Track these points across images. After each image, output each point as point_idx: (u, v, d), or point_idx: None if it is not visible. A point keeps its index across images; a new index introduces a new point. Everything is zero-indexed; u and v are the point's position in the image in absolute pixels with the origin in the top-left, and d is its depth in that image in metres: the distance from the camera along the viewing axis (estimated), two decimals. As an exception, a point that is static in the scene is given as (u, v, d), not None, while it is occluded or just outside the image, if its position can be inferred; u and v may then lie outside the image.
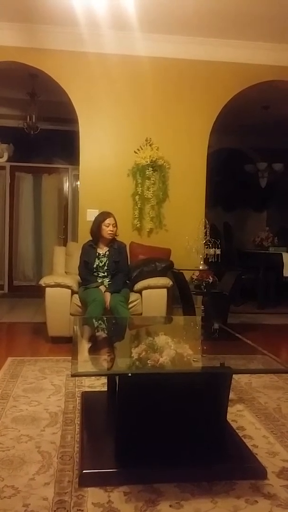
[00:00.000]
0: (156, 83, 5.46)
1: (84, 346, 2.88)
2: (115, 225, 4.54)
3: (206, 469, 2.05)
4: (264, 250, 7.25)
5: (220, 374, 2.26)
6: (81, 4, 4.55)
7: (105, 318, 3.96)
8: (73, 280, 4.62)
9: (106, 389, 2.88)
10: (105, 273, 4.52)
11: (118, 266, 4.52)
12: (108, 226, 4.49)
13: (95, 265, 4.51)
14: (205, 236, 5.14)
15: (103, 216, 4.55)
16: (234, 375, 2.89)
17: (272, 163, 7.72)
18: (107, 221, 4.50)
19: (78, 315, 4.36)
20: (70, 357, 2.26)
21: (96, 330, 3.47)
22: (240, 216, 9.08)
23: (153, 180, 5.43)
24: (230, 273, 5.37)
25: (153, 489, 1.93)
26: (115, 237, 4.59)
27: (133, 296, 4.59)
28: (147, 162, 5.40)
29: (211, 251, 5.06)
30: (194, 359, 2.26)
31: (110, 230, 4.50)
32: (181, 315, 5.01)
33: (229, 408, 2.47)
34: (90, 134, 5.44)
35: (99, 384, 3.23)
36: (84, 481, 1.96)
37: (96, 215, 4.68)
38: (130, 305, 4.50)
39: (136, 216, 5.43)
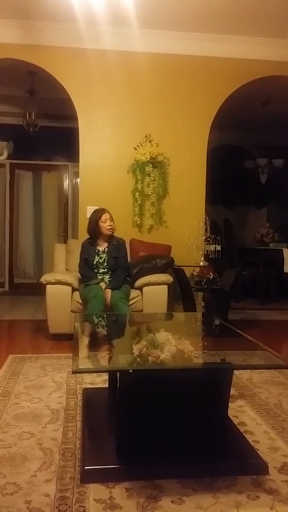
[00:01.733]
0: (155, 79, 5.45)
1: (85, 343, 2.88)
2: (111, 219, 4.52)
3: (207, 465, 2.06)
4: (265, 246, 7.25)
5: (221, 370, 2.26)
6: (79, 1, 4.54)
7: (105, 315, 3.96)
8: (73, 277, 4.62)
9: (107, 386, 2.88)
10: (105, 269, 4.51)
11: (117, 262, 4.51)
12: (105, 222, 4.48)
13: (95, 262, 4.51)
14: (205, 232, 5.13)
15: (98, 213, 4.53)
16: (235, 371, 2.89)
17: (272, 159, 7.70)
18: (103, 217, 4.48)
19: (78, 312, 4.37)
20: (71, 354, 2.27)
21: (96, 327, 3.47)
22: (240, 212, 9.07)
23: (153, 177, 5.42)
24: (230, 269, 5.38)
25: (154, 485, 1.93)
26: (113, 231, 4.58)
27: (133, 293, 4.59)
28: (147, 158, 5.39)
29: (212, 247, 5.06)
30: (195, 355, 2.26)
31: (108, 225, 4.48)
32: (182, 312, 5.01)
33: (230, 404, 2.48)
34: (90, 131, 5.44)
35: (100, 381, 3.23)
36: (86, 477, 1.96)
37: (90, 214, 4.66)
38: (130, 302, 4.50)
39: (136, 212, 5.43)
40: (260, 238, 7.39)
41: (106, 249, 4.54)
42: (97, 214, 4.52)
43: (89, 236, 4.61)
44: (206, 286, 4.80)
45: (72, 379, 3.32)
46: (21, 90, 6.45)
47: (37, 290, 5.40)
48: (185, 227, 5.24)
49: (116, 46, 5.28)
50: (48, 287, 4.51)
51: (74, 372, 2.04)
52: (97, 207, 4.69)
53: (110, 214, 4.52)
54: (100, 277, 4.46)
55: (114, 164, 5.44)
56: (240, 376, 3.41)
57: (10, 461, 2.14)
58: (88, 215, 5.11)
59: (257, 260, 7.18)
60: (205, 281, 4.78)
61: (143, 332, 3.17)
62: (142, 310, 4.57)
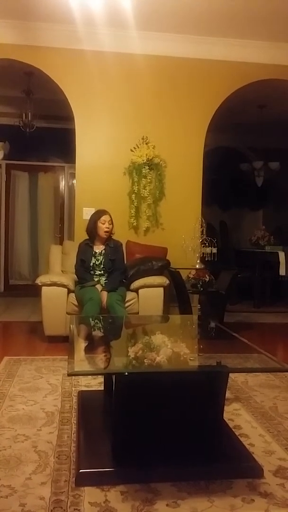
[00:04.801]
0: (152, 81, 5.46)
1: (81, 345, 2.87)
2: (111, 222, 4.54)
3: (202, 468, 2.05)
4: (260, 249, 7.27)
5: (216, 373, 2.26)
6: (77, 2, 4.54)
7: (101, 317, 3.96)
8: (69, 279, 4.61)
9: (102, 388, 2.88)
10: (102, 271, 4.52)
11: (114, 264, 4.51)
12: (104, 224, 4.49)
13: (91, 264, 4.51)
14: (201, 234, 5.14)
15: (99, 214, 4.56)
16: (230, 374, 2.89)
17: (268, 162, 7.72)
18: (103, 218, 4.50)
19: (74, 314, 4.36)
20: (67, 356, 2.26)
21: (92, 329, 3.47)
22: (236, 215, 9.09)
23: (149, 179, 5.43)
24: (226, 272, 5.39)
25: (150, 488, 1.93)
26: (111, 235, 4.59)
27: (129, 295, 4.59)
28: (143, 160, 5.40)
29: (208, 249, 5.07)
30: (191, 358, 2.26)
31: (106, 228, 4.49)
32: (178, 314, 5.02)
33: (225, 407, 2.47)
34: (86, 132, 5.43)
35: (96, 383, 3.22)
36: (81, 480, 1.96)
37: (91, 214, 4.68)
38: (126, 304, 4.49)
39: (133, 214, 5.43)
40: (256, 240, 7.40)
41: (103, 251, 4.54)
42: (98, 215, 4.55)
43: (87, 237, 4.62)
44: (202, 289, 4.80)
45: (67, 382, 3.31)
46: (17, 91, 6.44)
47: (33, 291, 5.38)
48: (181, 229, 5.24)
49: (113, 47, 5.28)
50: (44, 288, 4.50)
51: (69, 375, 2.04)
52: (97, 208, 4.72)
53: (110, 217, 4.53)
54: (96, 279, 4.46)
55: (110, 166, 5.44)
56: (235, 379, 3.41)
57: (4, 464, 2.13)
58: (85, 217, 5.14)
59: (253, 263, 7.19)
60: (201, 283, 4.79)
61: (139, 335, 3.17)
62: (138, 312, 4.57)
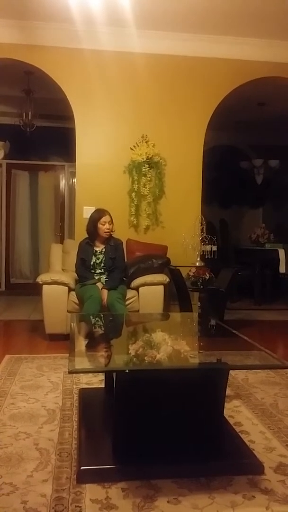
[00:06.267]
0: (152, 80, 5.46)
1: (81, 343, 2.88)
2: (111, 222, 4.54)
3: (203, 465, 2.06)
4: (260, 247, 7.28)
5: (217, 370, 2.27)
6: (76, 1, 4.54)
7: (102, 315, 3.97)
8: (70, 277, 4.62)
9: (103, 386, 2.89)
10: (102, 270, 4.52)
11: (114, 263, 4.52)
12: (104, 225, 4.49)
13: (92, 262, 4.52)
14: (201, 232, 5.15)
15: (99, 214, 4.54)
16: (231, 371, 2.90)
17: (267, 160, 7.72)
18: (103, 219, 4.49)
19: (75, 312, 4.37)
20: (68, 354, 2.27)
21: (93, 327, 3.47)
22: (236, 212, 9.09)
23: (149, 177, 5.43)
24: (226, 270, 5.39)
25: (150, 485, 1.93)
26: (112, 233, 4.59)
27: (130, 293, 4.60)
28: (143, 159, 5.40)
29: (208, 247, 5.08)
30: (191, 356, 2.26)
31: (107, 228, 4.49)
32: (178, 312, 5.02)
33: (226, 404, 2.48)
34: (86, 131, 5.44)
35: (97, 381, 3.23)
36: (82, 477, 1.96)
37: (92, 213, 4.68)
38: (127, 302, 4.50)
39: (133, 213, 5.43)
40: (255, 238, 7.41)
41: (104, 250, 4.55)
42: (98, 215, 4.54)
43: (87, 235, 4.62)
44: (202, 287, 4.81)
45: (68, 379, 3.32)
46: (17, 90, 6.45)
47: (34, 290, 5.39)
48: (181, 228, 5.25)
49: (113, 46, 5.28)
50: (45, 287, 4.51)
51: (70, 372, 2.04)
52: (97, 207, 4.72)
53: (111, 217, 4.53)
54: (97, 278, 4.46)
55: (110, 164, 5.44)
56: (236, 376, 3.42)
57: (6, 462, 2.14)
58: (85, 215, 5.14)
59: (253, 261, 7.20)
60: (201, 281, 4.80)
61: (139, 332, 3.18)
62: (138, 310, 4.58)
